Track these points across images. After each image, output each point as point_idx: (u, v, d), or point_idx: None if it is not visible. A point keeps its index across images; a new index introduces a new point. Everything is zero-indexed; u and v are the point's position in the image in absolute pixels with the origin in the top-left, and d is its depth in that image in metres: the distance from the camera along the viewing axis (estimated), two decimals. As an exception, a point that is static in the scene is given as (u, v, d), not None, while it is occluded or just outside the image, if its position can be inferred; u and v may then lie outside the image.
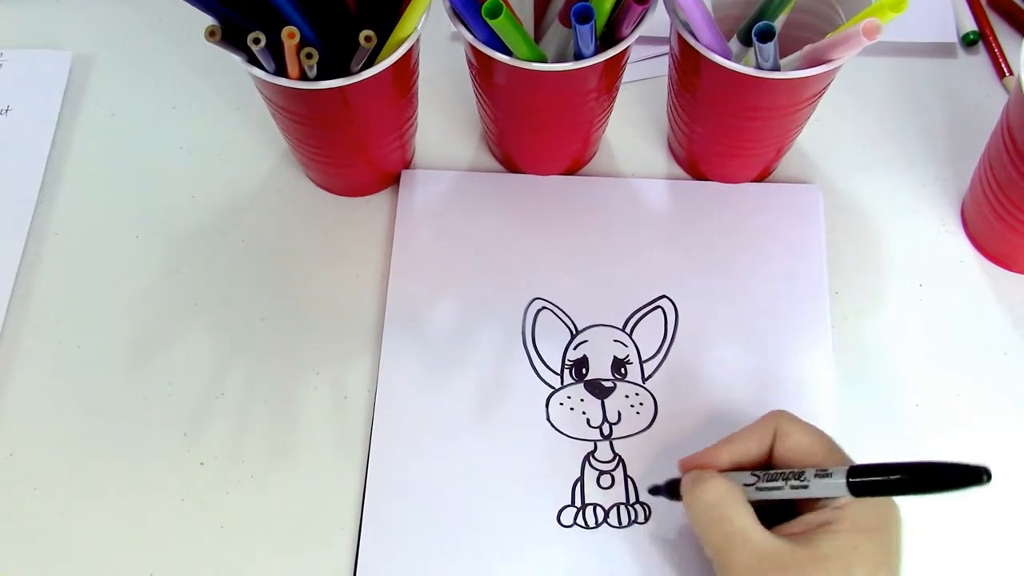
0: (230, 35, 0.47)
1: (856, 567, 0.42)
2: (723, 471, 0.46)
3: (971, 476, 0.38)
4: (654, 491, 0.50)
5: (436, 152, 0.62)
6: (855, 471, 0.42)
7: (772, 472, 0.45)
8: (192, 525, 0.52)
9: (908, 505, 0.44)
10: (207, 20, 0.47)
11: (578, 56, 0.50)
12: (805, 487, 0.43)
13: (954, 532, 0.51)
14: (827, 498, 0.44)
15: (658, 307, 0.57)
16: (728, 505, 0.44)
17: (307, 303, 0.58)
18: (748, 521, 0.43)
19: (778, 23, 0.52)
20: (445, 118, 0.63)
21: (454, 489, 0.52)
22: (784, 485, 0.44)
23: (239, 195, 0.61)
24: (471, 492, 0.52)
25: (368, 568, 0.50)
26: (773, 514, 0.45)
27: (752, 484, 0.45)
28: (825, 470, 0.43)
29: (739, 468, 0.47)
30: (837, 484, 0.42)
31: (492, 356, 0.56)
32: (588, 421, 0.54)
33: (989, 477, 0.37)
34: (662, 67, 0.63)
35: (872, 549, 0.42)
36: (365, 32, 0.46)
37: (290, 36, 0.45)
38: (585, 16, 0.48)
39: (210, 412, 0.55)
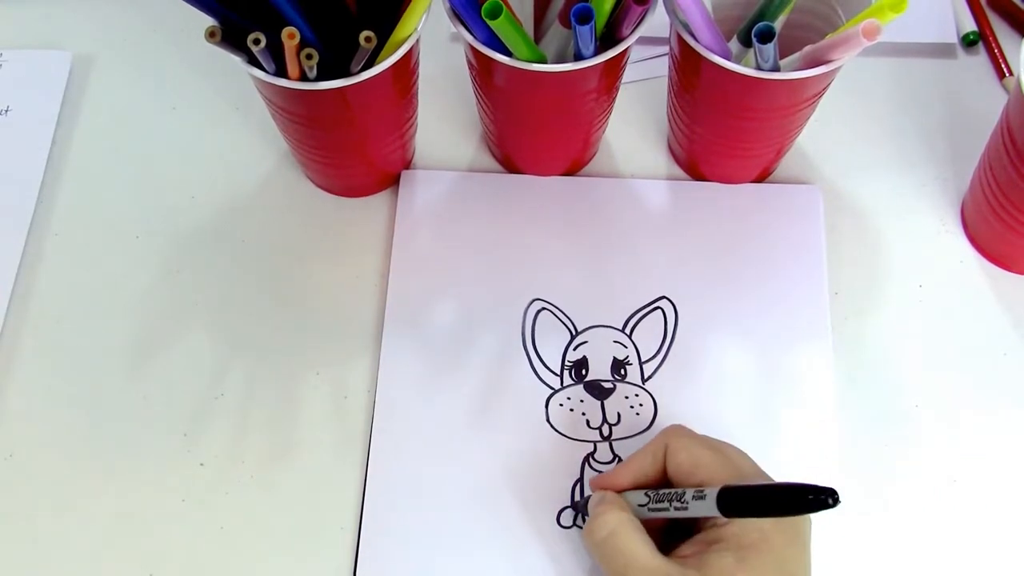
0: (230, 36, 0.47)
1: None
2: (624, 490, 0.48)
3: (820, 499, 0.38)
4: (575, 507, 0.52)
5: (436, 152, 0.62)
6: (725, 493, 0.42)
7: (660, 493, 0.46)
8: (192, 525, 0.52)
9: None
10: (207, 21, 0.47)
11: (578, 57, 0.50)
12: (685, 508, 0.44)
13: (954, 531, 0.51)
14: (710, 519, 0.44)
15: (658, 308, 0.57)
16: (621, 535, 0.45)
17: (307, 303, 0.58)
18: (641, 549, 0.44)
19: (778, 24, 0.52)
20: (445, 118, 0.63)
21: (454, 489, 0.52)
22: (669, 507, 0.45)
23: (239, 195, 0.61)
24: (471, 492, 0.52)
25: (368, 568, 0.51)
26: (677, 532, 0.46)
27: (645, 504, 0.46)
28: (701, 491, 0.44)
29: (639, 486, 0.48)
30: (709, 506, 0.43)
31: (492, 357, 0.56)
32: (588, 422, 0.54)
33: (836, 501, 0.38)
34: (662, 67, 0.63)
35: (760, 563, 0.42)
36: (365, 33, 0.46)
37: (290, 37, 0.45)
38: (585, 17, 0.48)
39: (210, 412, 0.55)
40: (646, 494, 0.46)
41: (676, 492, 0.45)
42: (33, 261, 0.59)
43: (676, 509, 0.45)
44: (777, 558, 0.43)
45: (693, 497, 0.44)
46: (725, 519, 0.43)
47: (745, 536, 0.43)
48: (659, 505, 0.46)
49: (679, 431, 0.48)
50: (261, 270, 0.59)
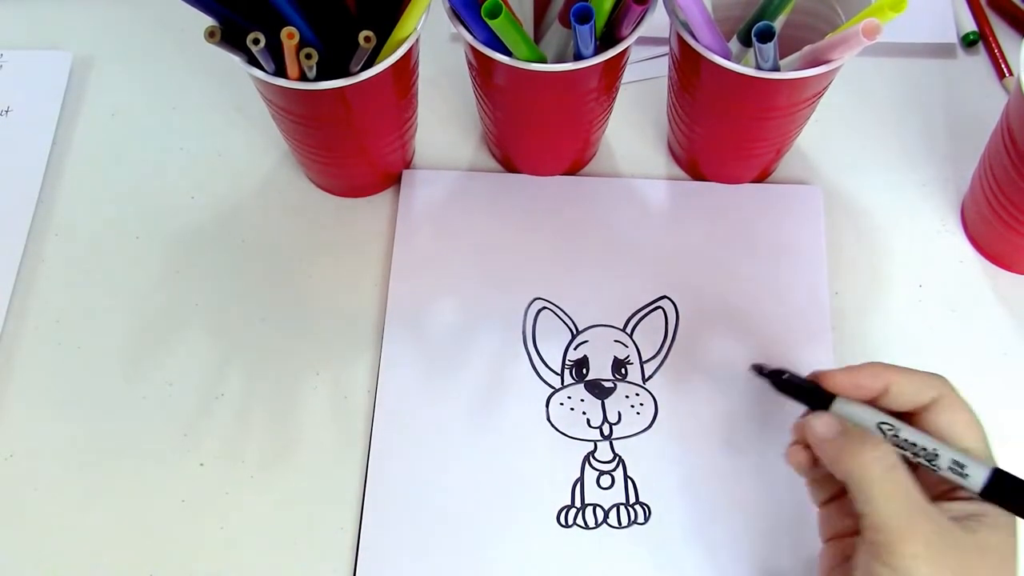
0: (230, 36, 0.47)
1: (1011, 561, 0.41)
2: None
3: None
4: (759, 370, 0.48)
5: (436, 152, 0.62)
6: (1000, 476, 0.41)
7: (908, 438, 0.43)
8: (192, 525, 0.52)
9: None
10: (207, 21, 0.47)
11: (578, 56, 0.50)
12: (936, 469, 0.42)
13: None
14: (961, 490, 0.42)
15: (659, 307, 0.57)
16: (902, 472, 0.41)
17: (307, 303, 0.58)
18: (920, 494, 0.41)
19: (778, 24, 0.52)
20: (445, 118, 0.63)
21: (454, 489, 0.52)
22: (915, 456, 0.42)
23: (239, 195, 0.61)
24: (471, 492, 0.52)
25: (368, 568, 0.51)
26: None
27: (883, 433, 0.43)
28: (962, 464, 0.41)
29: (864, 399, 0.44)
30: (969, 480, 0.41)
31: (492, 356, 0.56)
32: (588, 421, 0.54)
33: None
34: (662, 67, 0.63)
35: (1015, 542, 0.41)
36: (365, 32, 0.46)
37: (290, 36, 0.45)
38: (585, 16, 0.48)
39: (210, 412, 0.55)
40: (883, 426, 0.43)
41: (928, 450, 0.42)
42: (33, 261, 0.59)
43: (928, 461, 0.42)
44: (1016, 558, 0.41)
45: (950, 468, 0.41)
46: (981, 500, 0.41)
47: (1008, 517, 0.41)
48: (903, 447, 0.42)
49: (953, 389, 0.44)
50: (261, 270, 0.59)
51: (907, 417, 0.44)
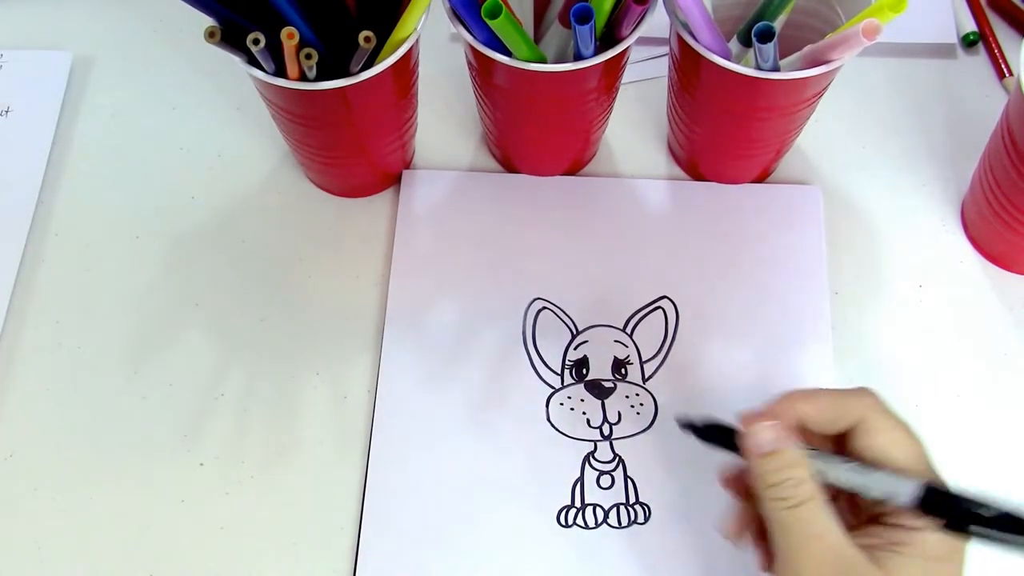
0: (230, 36, 0.47)
1: None
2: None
3: None
4: (685, 425, 0.46)
5: (436, 152, 0.62)
6: (932, 493, 0.39)
7: (851, 466, 0.41)
8: (192, 525, 0.52)
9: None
10: (207, 21, 0.47)
11: (578, 57, 0.50)
12: (868, 489, 0.41)
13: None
14: (892, 514, 0.41)
15: (659, 307, 0.57)
16: (813, 508, 0.40)
17: (307, 303, 0.58)
18: (832, 526, 0.40)
19: (778, 24, 0.52)
20: (445, 118, 0.63)
21: (454, 489, 0.52)
22: (850, 476, 0.41)
23: (239, 195, 0.61)
24: (471, 492, 0.52)
25: (368, 568, 0.51)
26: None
27: (815, 460, 0.42)
28: (896, 478, 0.40)
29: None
30: (901, 496, 0.40)
31: (492, 356, 0.56)
32: (588, 421, 0.54)
33: None
34: (662, 67, 0.63)
35: None
36: (365, 33, 0.46)
37: (290, 37, 0.45)
38: (585, 17, 0.48)
39: (210, 412, 0.55)
40: (816, 453, 0.41)
41: (856, 486, 0.41)
42: (33, 261, 0.59)
43: (850, 471, 0.41)
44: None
45: (882, 496, 0.40)
46: (914, 522, 0.40)
47: (933, 548, 0.40)
48: (837, 469, 0.41)
49: (878, 405, 0.42)
50: (261, 270, 0.59)
51: (842, 438, 0.43)
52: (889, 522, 0.41)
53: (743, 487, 0.45)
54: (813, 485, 0.41)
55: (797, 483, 0.41)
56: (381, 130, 0.56)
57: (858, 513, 0.43)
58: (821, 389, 0.44)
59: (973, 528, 0.39)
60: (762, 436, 0.42)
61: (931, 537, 0.40)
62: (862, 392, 0.43)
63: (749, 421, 0.43)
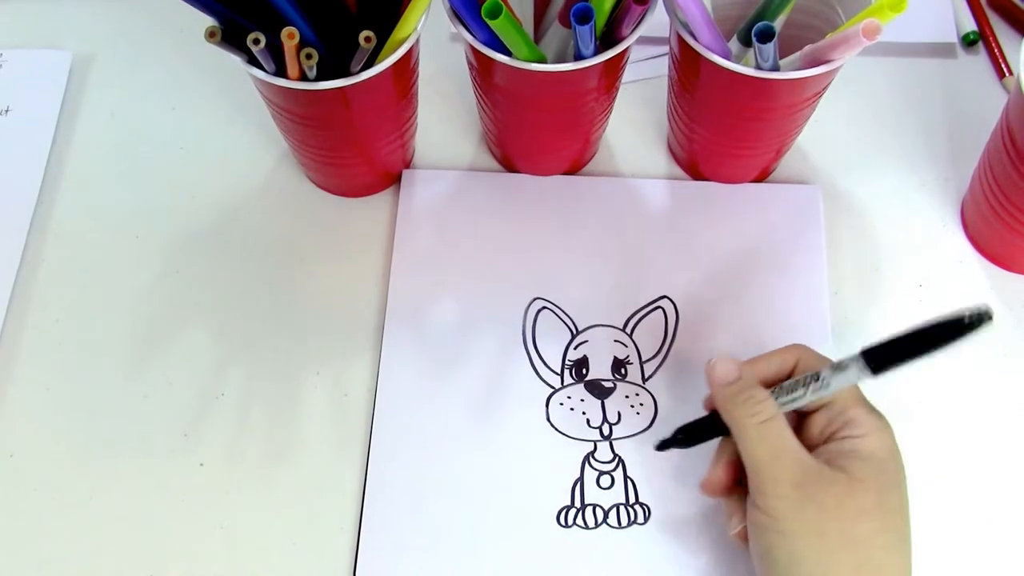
0: (230, 36, 0.47)
1: (889, 488, 0.44)
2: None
3: (977, 317, 0.39)
4: (663, 446, 0.50)
5: (436, 152, 0.62)
6: (867, 353, 0.43)
7: (790, 382, 0.46)
8: (192, 525, 0.52)
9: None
10: (207, 20, 0.47)
11: (578, 56, 0.50)
12: (826, 386, 0.44)
13: (954, 531, 0.51)
14: (844, 426, 0.45)
15: (658, 307, 0.57)
16: (778, 423, 0.45)
17: (307, 303, 0.58)
18: (794, 440, 0.45)
19: (778, 23, 0.52)
20: (445, 118, 0.63)
21: (454, 489, 0.52)
22: (804, 391, 0.45)
23: (239, 195, 0.61)
24: (471, 492, 0.52)
25: (368, 568, 0.51)
26: None
27: (776, 398, 0.46)
28: (839, 363, 0.44)
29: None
30: (856, 370, 0.43)
31: (492, 356, 0.56)
32: (588, 421, 0.54)
33: (990, 316, 0.39)
34: (662, 67, 0.63)
35: (894, 470, 0.44)
36: (365, 32, 0.46)
37: (290, 36, 0.45)
38: (585, 16, 0.48)
39: (210, 412, 0.55)
40: (772, 390, 0.46)
41: (811, 374, 0.45)
42: (33, 261, 0.59)
43: (813, 391, 0.45)
44: (900, 467, 0.45)
45: (833, 369, 0.44)
46: (861, 430, 0.44)
47: (879, 447, 0.44)
48: (791, 395, 0.46)
49: (807, 350, 0.48)
50: (261, 270, 0.59)
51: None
52: (835, 437, 0.45)
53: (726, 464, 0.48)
54: (774, 404, 0.45)
55: (761, 400, 0.45)
56: (381, 130, 0.56)
57: (808, 442, 0.46)
58: (761, 354, 0.49)
59: (894, 360, 0.43)
60: (723, 366, 0.47)
61: (875, 439, 0.45)
62: (793, 346, 0.49)
63: (715, 388, 0.48)
